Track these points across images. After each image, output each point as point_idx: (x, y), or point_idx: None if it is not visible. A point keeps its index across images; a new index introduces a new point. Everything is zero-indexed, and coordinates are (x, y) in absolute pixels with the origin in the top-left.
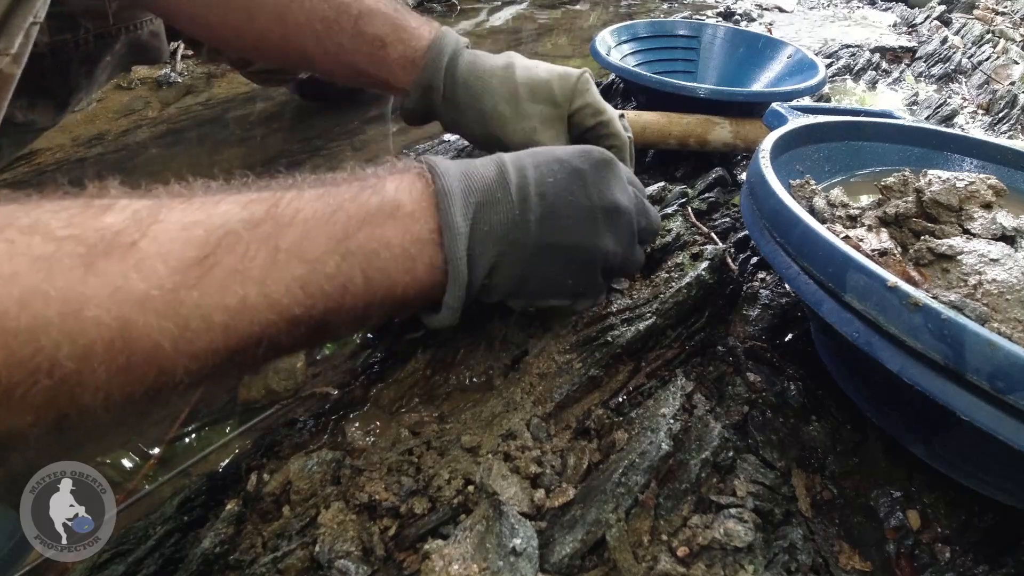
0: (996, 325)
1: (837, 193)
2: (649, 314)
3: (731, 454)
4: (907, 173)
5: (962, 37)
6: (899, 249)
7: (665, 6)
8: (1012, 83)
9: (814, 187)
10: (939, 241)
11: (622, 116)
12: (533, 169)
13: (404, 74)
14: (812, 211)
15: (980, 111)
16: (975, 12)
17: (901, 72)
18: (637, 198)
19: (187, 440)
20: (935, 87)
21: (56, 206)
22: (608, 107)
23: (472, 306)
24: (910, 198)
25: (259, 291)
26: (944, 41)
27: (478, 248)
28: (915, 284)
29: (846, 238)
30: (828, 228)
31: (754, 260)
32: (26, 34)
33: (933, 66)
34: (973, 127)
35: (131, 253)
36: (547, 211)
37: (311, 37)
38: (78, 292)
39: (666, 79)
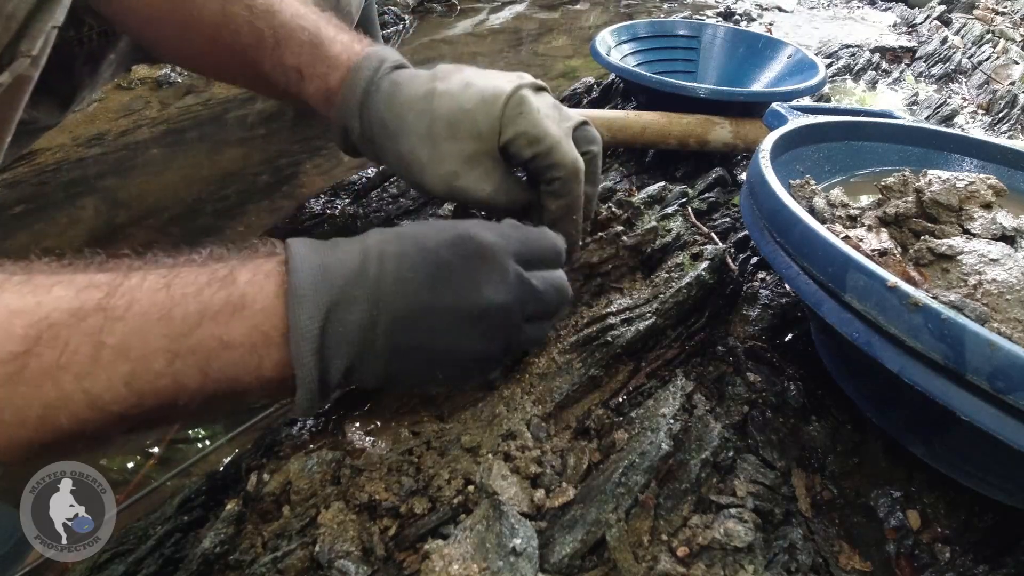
0: (996, 325)
1: (837, 193)
2: (649, 314)
3: (731, 454)
4: (907, 173)
5: (962, 37)
6: (899, 249)
7: (665, 6)
8: (1012, 83)
9: (814, 187)
10: (939, 241)
11: (585, 123)
12: (395, 261)
13: (325, 110)
14: (812, 211)
15: (980, 111)
16: (975, 12)
17: (901, 72)
18: (522, 283)
19: (187, 440)
20: (935, 87)
21: None
22: (549, 130)
23: None
24: (910, 198)
25: (78, 387)
26: (944, 41)
27: (331, 350)
28: (915, 284)
29: (846, 238)
30: (828, 228)
31: (754, 260)
32: (46, 38)
33: (933, 66)
34: (973, 127)
35: None
36: (404, 313)
37: (240, 62)
38: None
39: (666, 79)
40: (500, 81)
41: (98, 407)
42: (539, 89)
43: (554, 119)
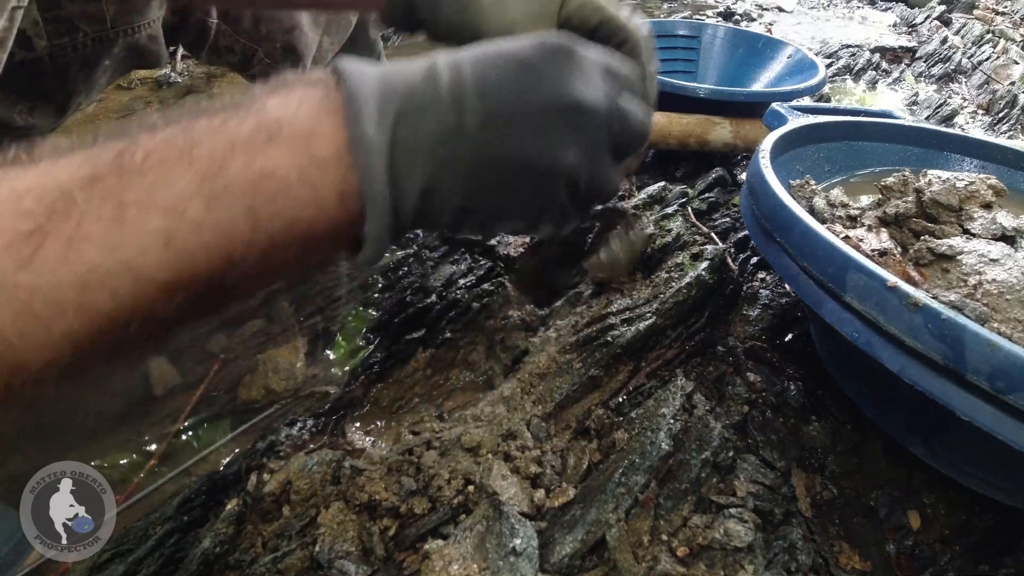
0: (996, 325)
1: (837, 193)
2: (649, 314)
3: (731, 454)
4: (907, 173)
5: (962, 37)
6: (899, 249)
7: (665, 6)
8: (1012, 83)
9: (814, 187)
10: (939, 241)
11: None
12: (471, 65)
13: None
14: (812, 211)
15: (980, 111)
16: (975, 12)
17: (901, 72)
18: (609, 96)
19: (187, 440)
20: (935, 87)
21: None
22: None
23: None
24: (910, 198)
25: (110, 258)
26: (944, 41)
27: (404, 166)
28: (915, 284)
29: (846, 238)
30: (828, 228)
31: (754, 260)
32: (10, 18)
33: (933, 66)
34: (973, 127)
35: None
36: (490, 114)
37: None
38: None
39: (666, 79)
40: None
41: (142, 277)
42: None
43: None
